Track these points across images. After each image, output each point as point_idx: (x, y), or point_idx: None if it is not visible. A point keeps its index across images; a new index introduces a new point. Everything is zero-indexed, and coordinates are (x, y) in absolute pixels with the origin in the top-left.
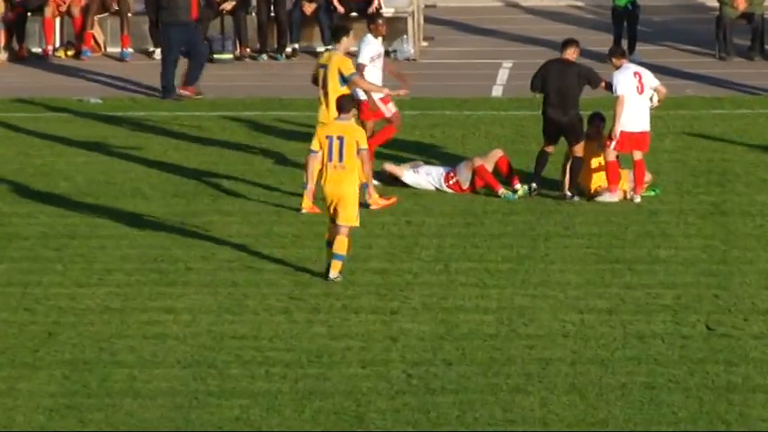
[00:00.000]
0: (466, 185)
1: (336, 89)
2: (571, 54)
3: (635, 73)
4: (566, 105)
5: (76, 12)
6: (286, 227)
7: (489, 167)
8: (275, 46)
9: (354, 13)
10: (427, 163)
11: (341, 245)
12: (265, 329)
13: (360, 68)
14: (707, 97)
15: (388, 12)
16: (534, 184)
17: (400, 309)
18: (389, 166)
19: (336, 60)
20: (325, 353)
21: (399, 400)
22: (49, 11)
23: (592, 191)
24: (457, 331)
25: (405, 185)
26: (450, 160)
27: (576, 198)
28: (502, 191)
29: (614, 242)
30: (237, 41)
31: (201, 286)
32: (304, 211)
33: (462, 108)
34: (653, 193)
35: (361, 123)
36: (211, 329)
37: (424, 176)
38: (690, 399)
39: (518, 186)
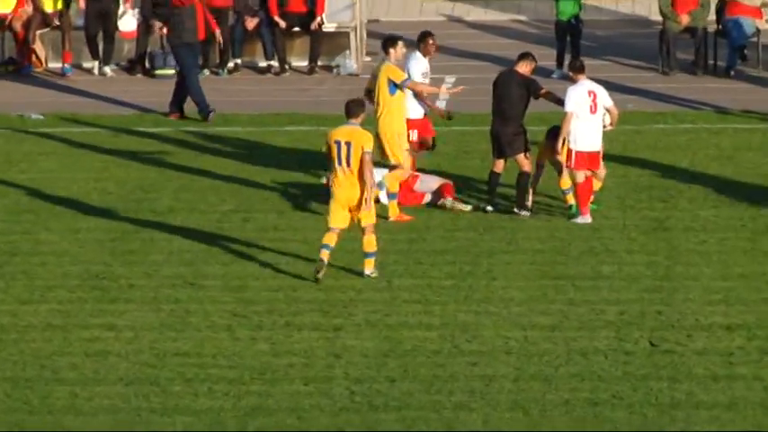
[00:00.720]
0: (428, 197)
1: (387, 99)
2: (522, 67)
3: (589, 91)
4: (505, 117)
5: (18, 27)
6: (228, 243)
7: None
8: (217, 61)
9: (296, 28)
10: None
11: (370, 244)
12: (208, 346)
13: (414, 86)
14: (650, 112)
15: (330, 27)
16: (489, 207)
17: (344, 325)
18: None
19: (385, 70)
20: (268, 370)
21: (342, 417)
22: None
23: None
24: (400, 348)
25: None
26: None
27: (526, 213)
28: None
29: (558, 258)
30: None
31: (144, 303)
32: (391, 219)
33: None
34: (594, 208)
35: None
36: (154, 346)
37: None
38: (633, 415)
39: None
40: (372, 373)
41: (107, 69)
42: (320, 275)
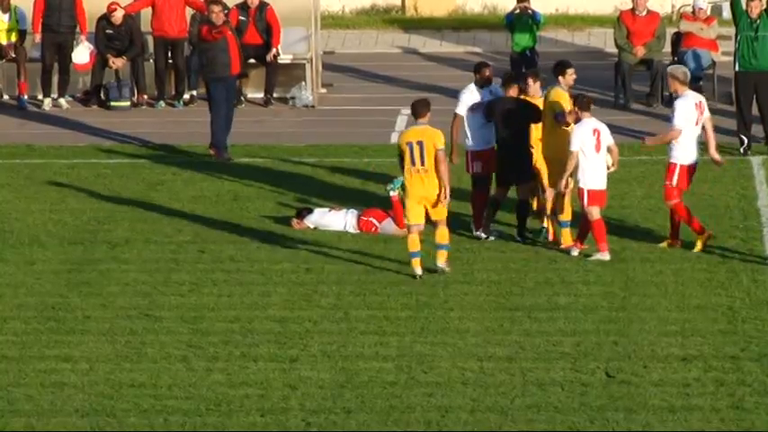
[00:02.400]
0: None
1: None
2: (512, 91)
3: (594, 129)
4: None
5: None
6: (184, 274)
7: None
8: (173, 93)
9: (252, 60)
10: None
11: (443, 235)
12: (164, 378)
13: (455, 118)
14: None
15: (285, 58)
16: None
17: (299, 356)
18: (296, 224)
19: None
20: (223, 401)
21: None
22: None
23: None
24: (357, 379)
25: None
26: (351, 206)
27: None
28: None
29: (514, 289)
30: (135, 88)
31: (99, 334)
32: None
33: (361, 155)
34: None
35: None
36: (109, 378)
37: (332, 224)
38: None
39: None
40: (328, 404)
41: (62, 101)
42: (422, 273)
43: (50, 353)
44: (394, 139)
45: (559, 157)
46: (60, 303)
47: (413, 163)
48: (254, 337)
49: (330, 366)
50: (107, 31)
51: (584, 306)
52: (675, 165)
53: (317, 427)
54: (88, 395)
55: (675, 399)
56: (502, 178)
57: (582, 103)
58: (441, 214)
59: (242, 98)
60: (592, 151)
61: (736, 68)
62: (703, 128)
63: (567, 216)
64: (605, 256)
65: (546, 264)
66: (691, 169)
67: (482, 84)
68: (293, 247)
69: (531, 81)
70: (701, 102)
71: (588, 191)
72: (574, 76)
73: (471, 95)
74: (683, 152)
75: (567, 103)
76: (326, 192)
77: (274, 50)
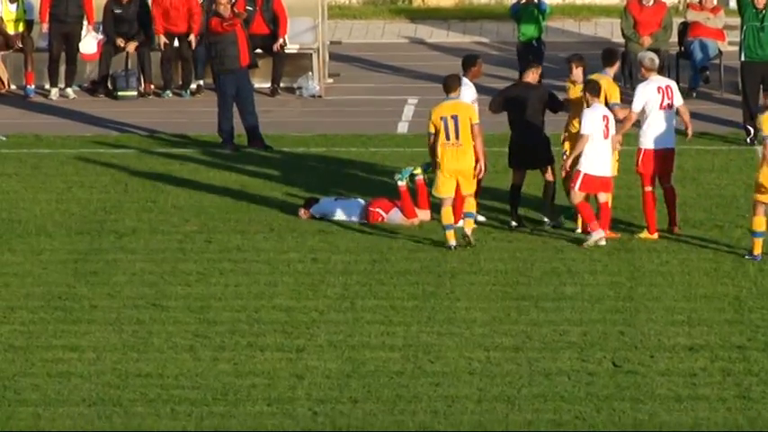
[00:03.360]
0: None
1: None
2: (530, 77)
3: (604, 116)
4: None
5: None
6: (191, 264)
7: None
8: (180, 83)
9: (259, 50)
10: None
11: (470, 204)
12: (170, 367)
13: None
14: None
15: (292, 48)
16: (514, 223)
17: (306, 346)
18: (303, 214)
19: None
20: (230, 390)
21: None
22: None
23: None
24: (363, 369)
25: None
26: (357, 196)
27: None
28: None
29: (520, 279)
30: (142, 78)
31: (106, 324)
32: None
33: (368, 145)
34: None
35: None
36: (116, 367)
37: (339, 215)
38: None
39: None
40: (335, 394)
41: (69, 91)
42: (459, 242)
43: (57, 342)
44: (401, 128)
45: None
46: (67, 293)
47: (447, 137)
48: (261, 326)
49: (336, 356)
50: (115, 11)
51: (590, 296)
52: (641, 150)
53: (323, 416)
54: (95, 385)
55: (682, 388)
56: (516, 162)
57: (593, 89)
58: (470, 188)
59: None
60: (600, 137)
61: (742, 59)
62: (680, 114)
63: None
64: (599, 234)
65: (552, 254)
66: (659, 154)
67: (473, 77)
68: (300, 237)
69: (574, 66)
70: (668, 86)
71: (585, 175)
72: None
73: (470, 90)
74: (648, 138)
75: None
76: (333, 181)
77: (281, 40)
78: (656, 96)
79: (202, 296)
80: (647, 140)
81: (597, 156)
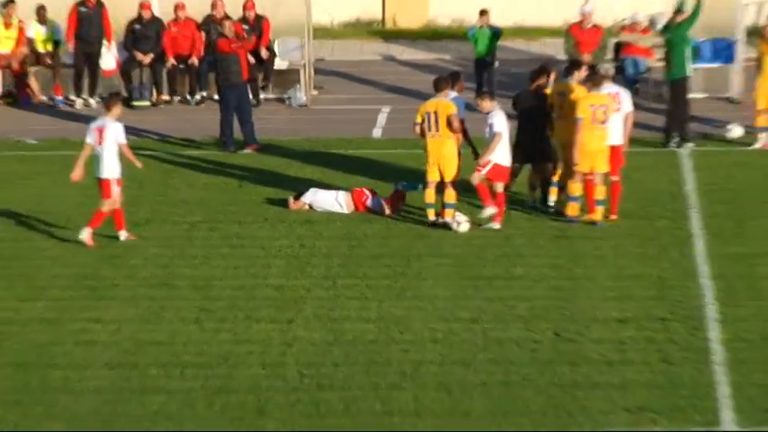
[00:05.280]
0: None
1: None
2: (535, 85)
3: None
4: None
5: (15, 64)
6: (196, 249)
7: None
8: (186, 94)
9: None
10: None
11: (450, 196)
12: (179, 336)
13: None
14: None
15: (282, 65)
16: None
17: (295, 319)
18: (293, 204)
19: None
20: (230, 356)
21: (294, 395)
22: None
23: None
24: (343, 338)
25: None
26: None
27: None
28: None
29: (476, 262)
30: (154, 90)
31: (125, 300)
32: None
33: (348, 147)
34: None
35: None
36: (133, 336)
37: (325, 200)
38: (540, 394)
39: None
40: (319, 359)
41: (91, 101)
42: (438, 220)
43: (83, 316)
44: (375, 133)
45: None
46: (91, 274)
47: (429, 129)
48: (256, 302)
49: (320, 327)
50: (136, 27)
51: (535, 276)
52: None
53: (309, 377)
54: (115, 351)
55: (612, 354)
56: (518, 157)
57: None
58: (451, 176)
59: (258, 99)
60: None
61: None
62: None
63: (575, 191)
64: (491, 210)
65: (503, 240)
66: (614, 149)
67: (459, 90)
68: (289, 227)
69: (553, 76)
70: (617, 93)
71: (494, 164)
72: (583, 74)
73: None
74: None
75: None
76: (318, 178)
77: (264, 50)
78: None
79: (206, 276)
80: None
81: (505, 149)
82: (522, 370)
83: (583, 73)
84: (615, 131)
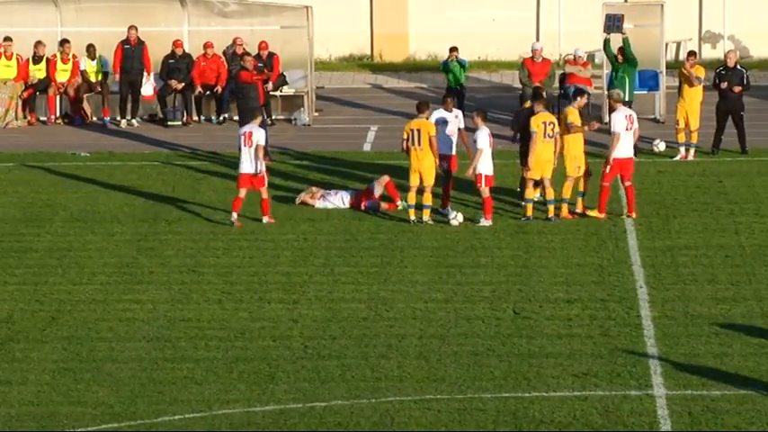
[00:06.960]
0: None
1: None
2: (533, 106)
3: (489, 133)
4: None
5: (71, 91)
6: (219, 242)
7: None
8: (211, 116)
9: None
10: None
11: (428, 198)
12: (205, 314)
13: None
14: (512, 151)
15: (289, 91)
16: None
17: (300, 300)
18: (303, 197)
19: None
20: (247, 331)
21: (299, 363)
22: (51, 90)
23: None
24: (339, 315)
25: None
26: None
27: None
28: (399, 202)
29: (449, 252)
30: (185, 112)
31: (160, 284)
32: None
33: (343, 158)
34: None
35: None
36: (167, 315)
37: (333, 201)
38: (502, 362)
39: (399, 202)
40: (320, 333)
41: (134, 121)
42: (421, 219)
43: (125, 297)
44: (366, 147)
45: (573, 153)
46: (132, 263)
47: (412, 143)
48: (268, 286)
49: (321, 306)
50: (170, 61)
51: (498, 264)
52: (612, 158)
53: (311, 348)
54: (152, 327)
55: (562, 328)
56: (524, 161)
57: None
58: (429, 181)
59: (271, 119)
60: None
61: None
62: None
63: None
64: (486, 224)
65: (471, 234)
66: (624, 162)
67: (448, 110)
68: (295, 224)
69: (542, 105)
70: (630, 115)
71: (486, 176)
72: (585, 102)
73: (451, 115)
74: (619, 149)
75: (576, 119)
76: (319, 183)
77: (270, 85)
78: (624, 121)
79: (227, 265)
80: (618, 152)
81: (489, 161)
82: (487, 342)
83: (583, 101)
84: (629, 145)
